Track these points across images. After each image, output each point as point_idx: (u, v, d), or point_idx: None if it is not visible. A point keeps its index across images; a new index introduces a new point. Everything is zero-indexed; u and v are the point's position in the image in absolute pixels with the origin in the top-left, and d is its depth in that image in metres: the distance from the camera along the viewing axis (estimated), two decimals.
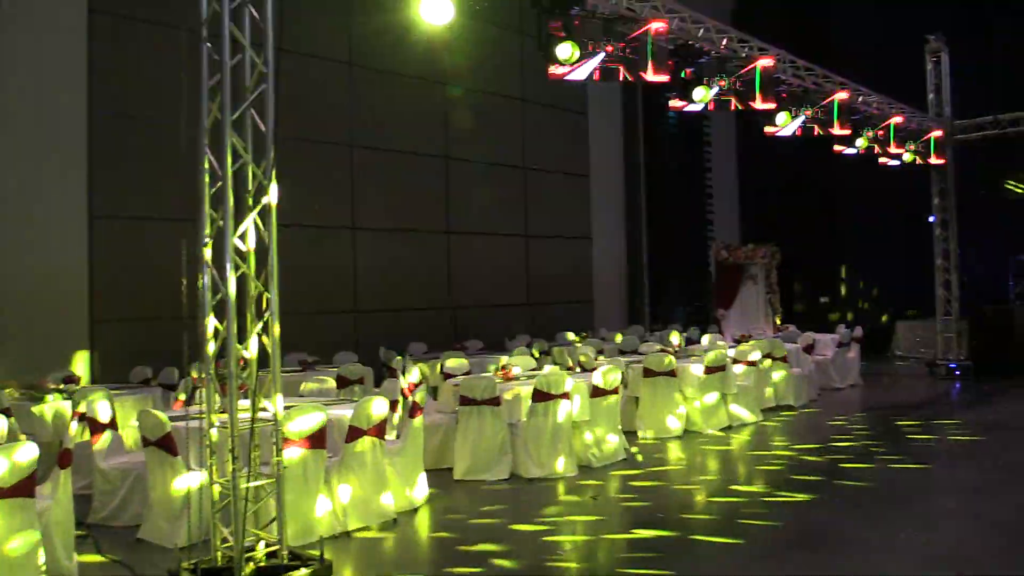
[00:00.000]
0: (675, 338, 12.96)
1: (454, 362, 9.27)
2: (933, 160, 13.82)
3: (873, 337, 15.65)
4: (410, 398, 6.75)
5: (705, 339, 12.60)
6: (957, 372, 13.93)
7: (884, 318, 18.20)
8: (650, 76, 8.31)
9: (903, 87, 14.10)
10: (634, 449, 8.54)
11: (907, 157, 13.19)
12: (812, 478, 7.33)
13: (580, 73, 8.21)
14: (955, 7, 21.62)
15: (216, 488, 4.73)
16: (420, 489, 6.55)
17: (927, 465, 7.83)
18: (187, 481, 5.48)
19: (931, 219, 14.81)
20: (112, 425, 6.45)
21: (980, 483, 7.18)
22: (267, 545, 4.81)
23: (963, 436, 9.09)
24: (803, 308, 18.57)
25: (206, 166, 4.79)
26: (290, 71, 10.87)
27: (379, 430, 6.01)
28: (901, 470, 7.58)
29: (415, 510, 6.40)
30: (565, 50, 7.74)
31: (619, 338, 13.05)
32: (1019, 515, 6.10)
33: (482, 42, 13.88)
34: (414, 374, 7.84)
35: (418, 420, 6.61)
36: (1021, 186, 14.15)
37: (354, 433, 5.84)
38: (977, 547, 5.41)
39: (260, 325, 4.80)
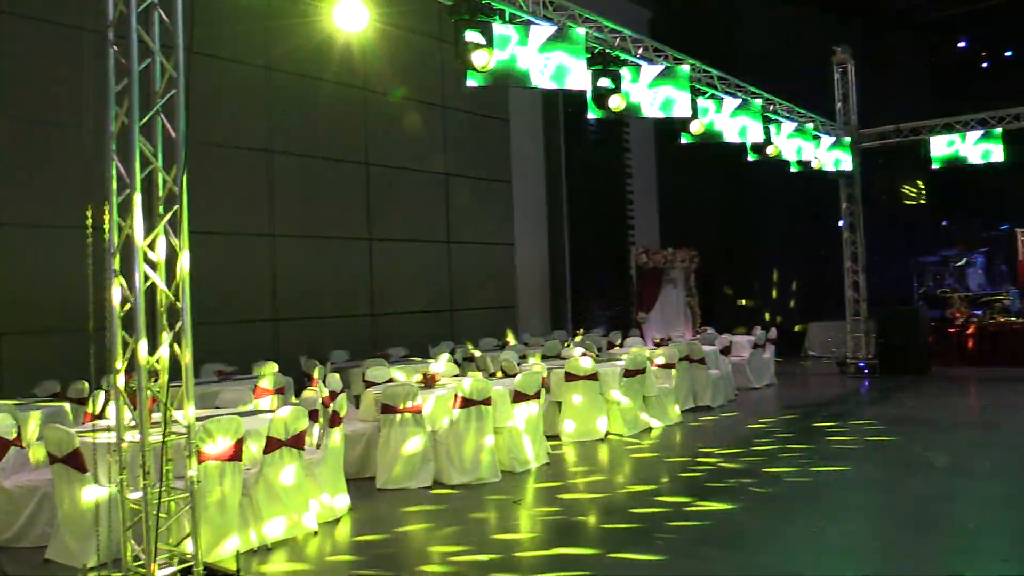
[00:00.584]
0: (579, 344, 13.08)
1: (376, 370, 9.20)
2: (841, 167, 14.34)
3: (787, 338, 16.13)
4: (330, 407, 6.67)
5: (626, 342, 12.79)
6: (865, 370, 14.49)
7: (797, 323, 18.75)
8: (568, 86, 8.42)
9: (812, 97, 14.63)
10: (557, 452, 8.61)
11: (816, 164, 13.65)
12: (729, 477, 7.52)
13: (501, 81, 8.26)
14: (859, 21, 22.58)
15: (127, 504, 4.59)
16: (341, 499, 6.48)
17: (838, 461, 8.11)
18: (97, 498, 5.29)
19: (840, 224, 15.37)
20: (17, 442, 6.19)
21: (887, 476, 7.48)
22: (181, 561, 4.69)
23: (871, 431, 9.45)
24: (721, 310, 19.03)
25: (114, 173, 4.65)
26: (205, 75, 10.62)
27: (298, 441, 5.92)
28: (814, 465, 7.84)
29: (336, 521, 6.33)
30: (482, 57, 7.77)
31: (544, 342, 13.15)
32: (924, 506, 6.38)
33: (402, 48, 13.83)
34: (334, 383, 7.74)
35: (338, 430, 6.54)
36: (923, 192, 14.79)
37: (272, 444, 5.74)
38: (886, 538, 5.63)
39: (171, 336, 4.69)
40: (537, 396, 8.14)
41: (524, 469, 7.85)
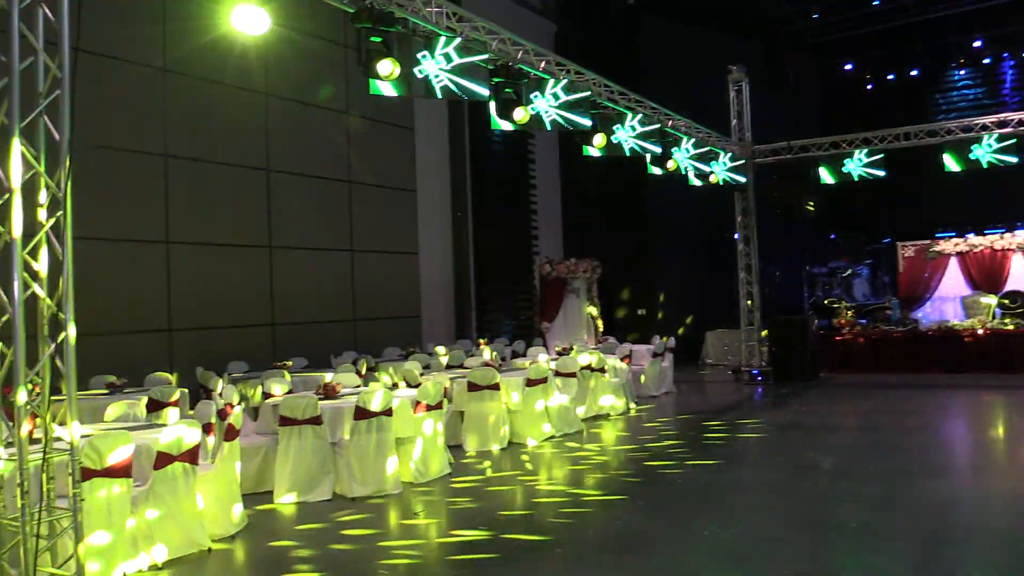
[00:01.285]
0: (487, 352, 13.14)
1: (275, 381, 9.00)
2: (736, 181, 14.86)
3: (685, 346, 16.57)
4: (226, 420, 6.49)
5: (529, 352, 12.90)
6: (759, 377, 15.02)
7: (688, 329, 19.24)
8: (471, 97, 8.47)
9: (710, 113, 15.14)
10: (460, 462, 8.61)
11: (713, 178, 14.10)
12: (627, 483, 7.68)
13: (404, 90, 8.23)
14: (756, 42, 23.50)
15: (5, 526, 4.35)
16: (236, 515, 6.31)
17: (731, 465, 8.39)
18: None
19: (735, 236, 15.91)
20: None
21: (778, 479, 7.78)
22: None
23: (762, 436, 9.80)
24: (622, 319, 19.41)
25: None
26: (97, 76, 10.23)
27: (191, 455, 5.74)
28: (708, 470, 8.08)
29: (232, 537, 6.15)
30: (386, 67, 7.74)
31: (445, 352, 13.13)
32: (812, 507, 6.66)
33: (305, 53, 13.63)
34: (231, 395, 7.54)
35: (234, 443, 6.38)
36: (813, 206, 15.45)
37: (163, 460, 5.54)
38: (776, 539, 5.85)
39: (52, 348, 4.48)
40: (439, 406, 8.13)
41: (426, 480, 7.81)
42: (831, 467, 8.18)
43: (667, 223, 20.46)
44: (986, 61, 26.58)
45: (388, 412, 7.45)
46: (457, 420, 9.43)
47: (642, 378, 13.42)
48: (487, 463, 8.75)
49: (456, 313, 17.55)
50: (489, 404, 9.33)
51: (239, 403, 7.39)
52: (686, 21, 21.88)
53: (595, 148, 10.65)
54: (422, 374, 10.09)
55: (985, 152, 13.35)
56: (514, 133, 12.31)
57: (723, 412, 11.83)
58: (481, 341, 13.83)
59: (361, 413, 7.32)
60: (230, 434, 6.30)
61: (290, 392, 8.63)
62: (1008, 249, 17.81)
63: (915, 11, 23.18)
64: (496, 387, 9.35)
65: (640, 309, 20.10)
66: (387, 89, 7.95)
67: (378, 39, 7.57)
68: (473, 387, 9.31)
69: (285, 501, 7.14)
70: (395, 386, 9.88)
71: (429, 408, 7.99)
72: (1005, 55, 26.31)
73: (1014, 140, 13.17)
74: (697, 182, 14.06)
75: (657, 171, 12.55)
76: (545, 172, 20.59)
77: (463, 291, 17.70)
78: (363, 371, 11.39)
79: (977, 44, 25.83)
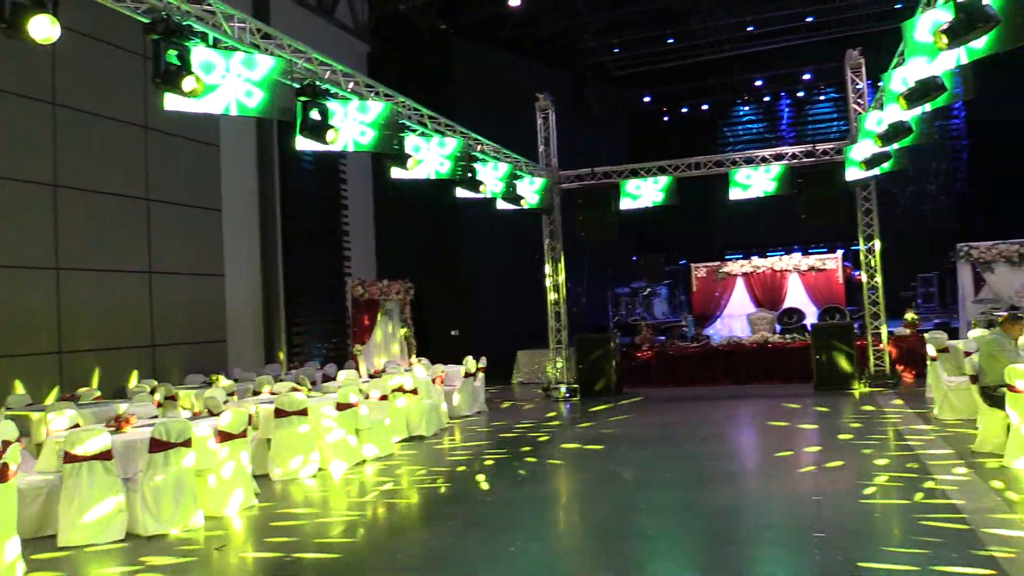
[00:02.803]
0: (308, 377, 12.88)
1: (61, 413, 8.34)
2: (543, 205, 15.38)
3: (497, 366, 16.88)
4: (0, 459, 5.94)
5: (341, 375, 12.71)
6: (567, 394, 15.57)
7: (507, 352, 19.61)
8: (276, 116, 8.30)
9: (520, 138, 15.62)
10: (267, 491, 8.33)
11: (523, 203, 14.52)
12: (437, 503, 7.73)
13: (204, 106, 7.92)
14: (562, 71, 24.55)
15: None
16: (12, 565, 5.78)
17: (539, 480, 8.64)
18: None
19: (541, 257, 16.45)
20: None
21: (582, 492, 8.10)
22: None
23: (569, 451, 10.16)
24: (435, 341, 19.52)
25: None
26: None
27: None
28: (516, 486, 8.28)
29: None
30: (189, 83, 7.41)
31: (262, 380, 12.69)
32: (614, 517, 6.98)
33: (103, 63, 12.84)
34: (8, 430, 6.91)
35: (9, 484, 5.85)
36: (616, 229, 16.19)
37: None
38: (580, 550, 6.09)
39: None
40: (243, 435, 7.84)
41: (230, 512, 7.50)
42: (631, 477, 8.60)
43: (479, 245, 20.87)
44: (767, 99, 29.20)
45: (187, 443, 7.10)
46: (264, 447, 9.12)
47: (455, 398, 13.55)
48: (295, 490, 8.52)
49: (265, 337, 17.00)
50: (297, 430, 9.09)
51: (16, 439, 6.79)
52: (498, 48, 22.53)
53: (403, 171, 10.69)
54: (226, 401, 9.70)
55: (764, 182, 14.61)
56: (325, 153, 12.13)
57: (532, 429, 12.16)
58: (293, 366, 13.43)
59: (157, 445, 6.94)
60: (4, 475, 5.77)
61: (77, 426, 8.03)
62: (786, 270, 19.56)
63: (706, 50, 25.09)
64: (304, 412, 9.13)
65: (453, 330, 20.31)
66: (184, 105, 7.62)
67: (174, 51, 7.25)
68: (281, 413, 9.05)
69: (71, 544, 6.62)
70: (197, 415, 9.44)
71: (232, 437, 7.69)
72: (783, 94, 29.04)
73: (789, 172, 14.50)
74: (507, 206, 14.44)
75: (466, 194, 12.76)
76: (358, 192, 20.45)
77: (272, 314, 17.18)
78: (161, 400, 10.80)
79: (759, 83, 28.31)
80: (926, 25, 7.97)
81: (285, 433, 9.05)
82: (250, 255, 16.95)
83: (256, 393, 11.27)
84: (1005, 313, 9.87)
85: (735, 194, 14.79)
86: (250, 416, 8.08)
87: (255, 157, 17.33)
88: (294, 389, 9.63)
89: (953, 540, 5.66)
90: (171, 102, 7.52)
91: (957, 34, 6.84)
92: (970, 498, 6.72)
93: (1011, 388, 7.53)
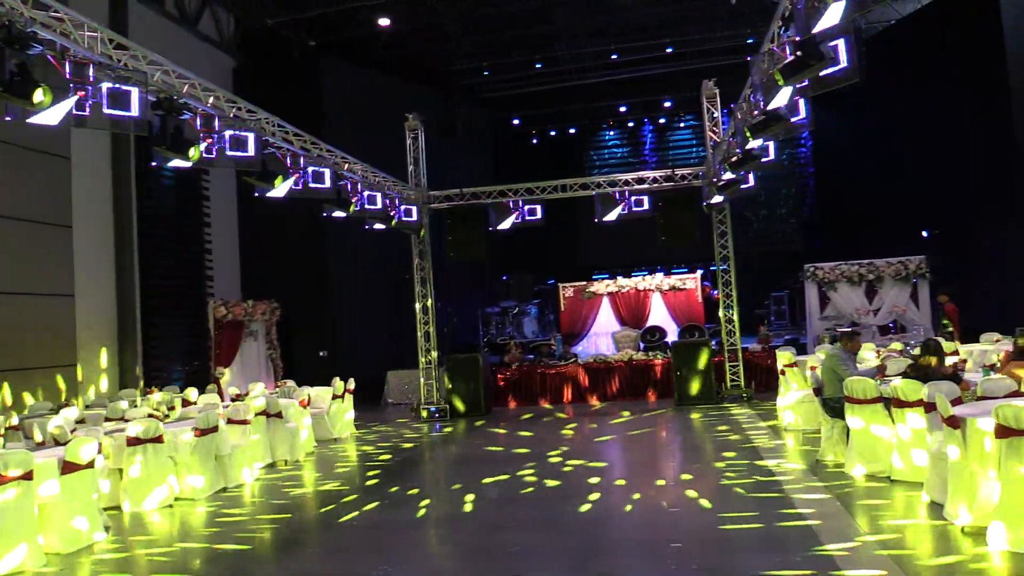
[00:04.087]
0: (166, 402, 12.36)
1: None
2: (412, 225, 15.37)
3: (367, 387, 16.68)
4: None
5: (201, 400, 12.25)
6: (436, 414, 15.55)
7: (376, 373, 19.42)
8: (131, 130, 7.98)
9: (391, 158, 15.58)
10: (119, 524, 7.93)
11: (392, 222, 14.46)
12: (302, 529, 7.57)
13: (52, 117, 7.52)
14: (433, 91, 24.69)
15: None
16: None
17: (405, 504, 8.58)
18: None
19: (411, 277, 16.42)
20: None
21: (449, 512, 8.10)
22: None
23: (436, 470, 10.17)
24: (302, 362, 19.10)
25: None
26: None
27: None
28: (383, 509, 8.21)
29: None
30: (36, 94, 7.02)
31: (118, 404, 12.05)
32: (480, 536, 7.04)
33: None
34: None
35: None
36: (486, 249, 16.35)
37: None
38: (443, 572, 6.10)
39: None
40: (91, 465, 7.44)
41: (76, 549, 7.08)
42: (498, 496, 8.68)
43: (347, 264, 20.62)
44: (631, 124, 30.30)
45: (28, 476, 6.68)
46: (116, 478, 8.67)
47: (323, 421, 13.28)
48: (150, 522, 8.15)
49: (120, 360, 16.19)
50: (153, 458, 8.70)
51: None
52: (369, 67, 22.42)
53: (267, 188, 10.47)
54: (74, 430, 9.17)
55: (627, 205, 15.14)
56: (186, 168, 11.70)
57: (401, 451, 12.08)
58: (150, 391, 12.85)
59: None
60: None
61: None
62: (649, 290, 20.27)
63: (572, 76, 25.80)
64: (160, 440, 8.75)
65: (321, 351, 19.93)
66: (37, 117, 7.22)
67: (21, 60, 6.86)
68: (134, 441, 8.63)
69: None
70: (41, 445, 8.90)
71: (79, 468, 7.28)
72: (646, 120, 30.22)
73: (650, 195, 15.09)
74: (376, 225, 14.34)
75: (335, 213, 12.61)
76: (221, 210, 19.83)
77: (128, 336, 16.38)
78: (2, 430, 10.11)
79: (623, 109, 29.34)
80: (769, 61, 8.53)
81: (140, 462, 8.63)
82: (104, 274, 16.14)
83: (108, 420, 10.71)
84: (848, 329, 10.62)
85: (599, 216, 15.24)
86: (100, 445, 7.67)
87: (110, 171, 16.55)
88: (150, 415, 9.22)
89: (798, 543, 6.03)
90: (16, 112, 7.10)
91: (794, 71, 7.35)
92: (816, 505, 7.17)
93: (849, 399, 8.10)
